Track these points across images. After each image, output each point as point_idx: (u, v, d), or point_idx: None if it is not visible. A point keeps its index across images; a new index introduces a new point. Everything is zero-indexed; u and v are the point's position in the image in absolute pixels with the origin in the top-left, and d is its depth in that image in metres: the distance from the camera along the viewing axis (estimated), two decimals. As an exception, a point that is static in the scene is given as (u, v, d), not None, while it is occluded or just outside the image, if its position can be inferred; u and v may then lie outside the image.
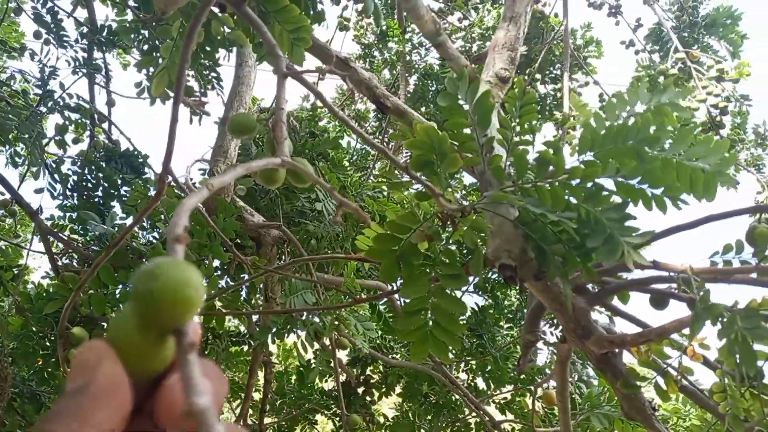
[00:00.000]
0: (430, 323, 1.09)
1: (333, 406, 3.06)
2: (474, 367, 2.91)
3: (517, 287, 1.20)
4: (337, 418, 3.04)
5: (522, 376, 2.78)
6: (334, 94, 4.45)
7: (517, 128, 1.12)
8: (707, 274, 0.97)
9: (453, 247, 1.15)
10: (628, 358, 1.33)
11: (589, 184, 1.09)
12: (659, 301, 1.20)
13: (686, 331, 1.12)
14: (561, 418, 1.43)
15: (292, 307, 2.01)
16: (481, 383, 2.95)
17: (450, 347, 1.10)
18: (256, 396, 3.14)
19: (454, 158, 1.08)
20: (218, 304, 1.97)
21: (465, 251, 1.69)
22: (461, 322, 2.92)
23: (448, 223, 1.11)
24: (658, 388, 1.16)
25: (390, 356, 2.97)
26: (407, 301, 1.10)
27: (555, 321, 2.57)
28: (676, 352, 1.17)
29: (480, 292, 2.76)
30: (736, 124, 3.17)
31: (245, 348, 2.71)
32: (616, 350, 1.19)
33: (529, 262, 1.17)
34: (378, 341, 3.07)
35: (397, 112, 1.77)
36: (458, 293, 1.22)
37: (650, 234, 1.05)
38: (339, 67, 1.76)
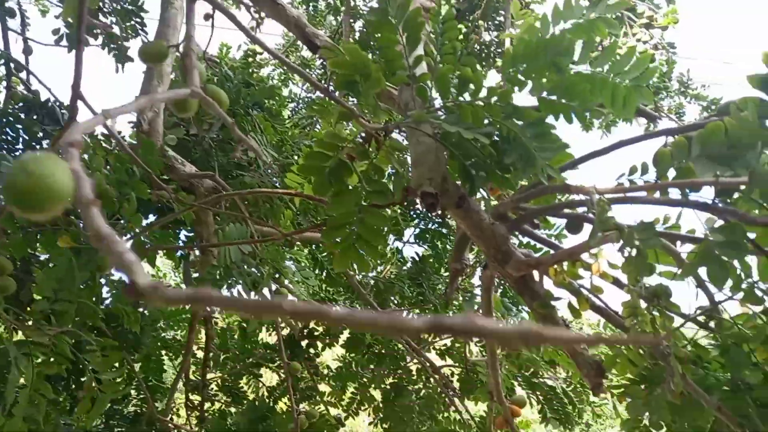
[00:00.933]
0: (354, 236, 1.12)
1: (277, 359, 3.08)
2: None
3: (439, 215, 1.24)
4: (282, 371, 3.07)
5: (461, 322, 2.87)
6: (280, 41, 4.33)
7: (441, 47, 1.13)
8: (611, 193, 1.02)
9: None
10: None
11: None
12: (574, 225, 1.27)
13: (595, 251, 1.18)
14: (487, 343, 1.50)
15: (227, 257, 1.99)
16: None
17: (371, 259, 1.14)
18: (200, 353, 3.12)
19: (377, 78, 1.08)
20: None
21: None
22: (404, 272, 2.92)
23: (372, 142, 1.12)
24: (571, 307, 1.23)
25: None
26: (333, 215, 1.12)
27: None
28: (589, 273, 1.24)
29: (420, 242, 2.81)
30: (663, 72, 3.31)
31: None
32: (533, 273, 1.25)
33: (451, 191, 1.20)
34: (321, 294, 3.10)
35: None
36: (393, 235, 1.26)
37: (566, 146, 1.09)
38: (266, 5, 1.70)
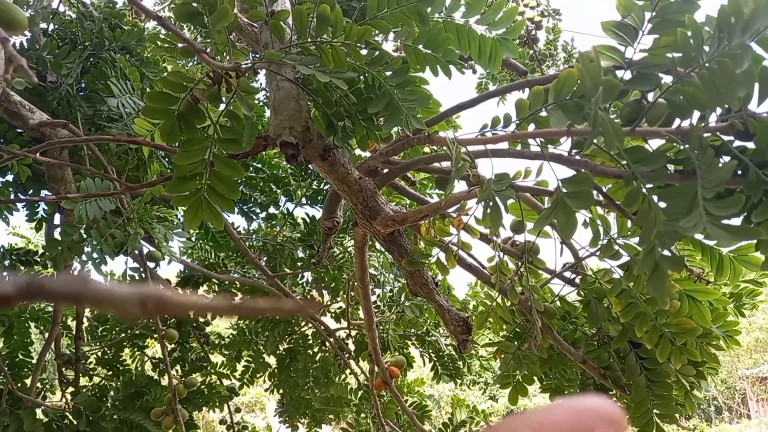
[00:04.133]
0: (206, 188, 1.01)
1: (164, 328, 2.89)
2: (309, 279, 2.92)
3: (301, 167, 1.15)
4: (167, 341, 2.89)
5: (356, 284, 2.84)
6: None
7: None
8: (472, 144, 0.98)
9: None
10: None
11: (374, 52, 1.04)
12: (443, 181, 1.23)
13: (459, 206, 1.15)
14: (362, 304, 1.46)
15: (85, 214, 1.79)
16: (316, 294, 2.98)
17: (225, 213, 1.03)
18: (73, 324, 2.86)
19: (225, 9, 0.96)
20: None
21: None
22: (297, 235, 2.80)
23: (222, 84, 1.00)
24: (440, 264, 1.21)
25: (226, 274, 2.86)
26: (181, 165, 1.00)
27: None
28: (456, 231, 1.22)
29: (311, 203, 2.72)
30: (549, 40, 3.40)
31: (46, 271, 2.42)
32: (401, 229, 1.21)
33: (314, 141, 1.11)
34: (212, 260, 2.93)
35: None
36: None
37: (430, 97, 1.04)
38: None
